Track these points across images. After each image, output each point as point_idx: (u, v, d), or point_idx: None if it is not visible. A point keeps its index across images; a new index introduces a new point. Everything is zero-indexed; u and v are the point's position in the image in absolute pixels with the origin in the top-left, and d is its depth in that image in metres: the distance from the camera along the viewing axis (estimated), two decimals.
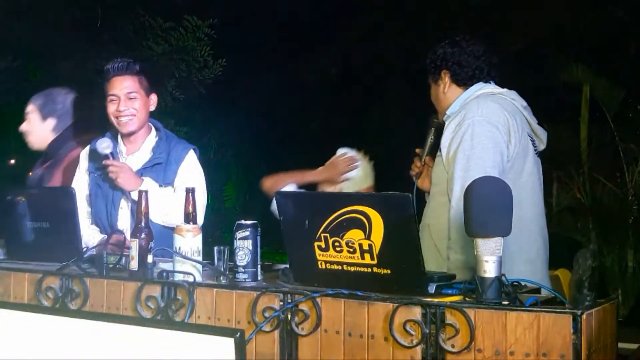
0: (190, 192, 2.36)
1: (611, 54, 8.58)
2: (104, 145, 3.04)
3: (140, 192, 2.46)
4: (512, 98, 2.75)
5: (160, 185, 3.05)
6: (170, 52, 9.26)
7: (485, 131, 2.59)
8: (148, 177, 3.06)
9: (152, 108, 3.18)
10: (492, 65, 2.84)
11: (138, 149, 3.17)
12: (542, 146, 2.83)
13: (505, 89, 2.79)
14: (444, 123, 2.80)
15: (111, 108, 3.11)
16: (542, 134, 2.82)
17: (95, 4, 9.27)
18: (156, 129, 3.21)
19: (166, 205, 2.98)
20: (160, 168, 3.09)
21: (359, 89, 11.54)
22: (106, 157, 3.03)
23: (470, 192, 1.93)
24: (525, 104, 2.78)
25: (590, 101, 8.03)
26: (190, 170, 3.12)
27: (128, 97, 3.10)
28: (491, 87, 2.80)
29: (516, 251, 2.50)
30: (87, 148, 3.26)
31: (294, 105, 11.94)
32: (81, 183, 3.19)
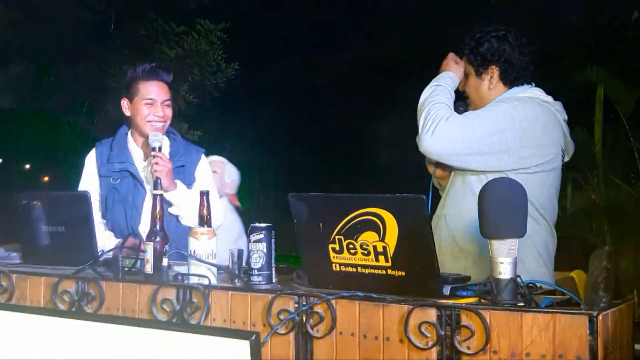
0: (204, 194, 2.37)
1: (626, 55, 8.53)
2: (155, 138, 3.02)
3: (155, 196, 2.47)
4: (556, 109, 2.69)
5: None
6: (183, 56, 9.31)
7: (497, 122, 2.55)
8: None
9: (173, 113, 3.22)
10: (533, 65, 2.77)
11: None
12: (567, 158, 2.79)
13: (550, 98, 2.72)
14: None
15: (145, 111, 3.08)
16: (571, 147, 2.78)
17: (109, 9, 9.33)
18: (167, 134, 3.20)
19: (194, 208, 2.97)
20: (182, 171, 3.09)
21: (372, 91, 11.54)
22: (154, 149, 3.00)
23: (484, 194, 1.92)
24: (566, 117, 2.73)
25: (604, 102, 7.98)
26: (206, 173, 3.17)
27: (164, 104, 3.10)
28: (537, 92, 2.72)
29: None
30: (93, 151, 3.25)
31: (307, 108, 11.96)
32: (91, 187, 3.14)
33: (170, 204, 2.98)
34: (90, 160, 3.24)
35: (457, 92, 2.82)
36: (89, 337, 1.72)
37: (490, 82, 2.74)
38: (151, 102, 3.09)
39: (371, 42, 11.29)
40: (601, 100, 7.95)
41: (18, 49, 9.15)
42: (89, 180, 3.20)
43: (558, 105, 2.71)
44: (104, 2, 9.19)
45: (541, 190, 2.63)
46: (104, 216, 3.13)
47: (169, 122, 3.15)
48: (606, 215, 7.76)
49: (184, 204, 2.99)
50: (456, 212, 2.64)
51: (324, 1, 11.33)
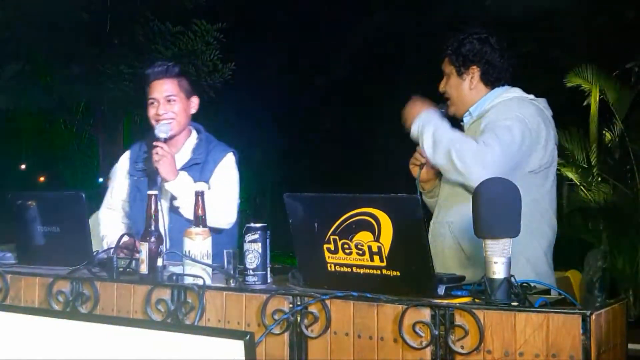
0: (199, 195, 2.37)
1: (621, 56, 8.56)
2: (162, 129, 3.01)
3: (149, 196, 2.46)
4: (543, 106, 2.73)
5: (196, 182, 3.03)
6: (179, 56, 9.31)
7: (523, 130, 2.58)
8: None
9: (193, 111, 3.15)
10: (513, 66, 2.82)
11: (178, 152, 3.14)
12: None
13: (532, 95, 2.76)
14: (453, 116, 2.80)
15: (151, 111, 3.09)
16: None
17: (105, 9, 9.32)
18: (197, 132, 3.19)
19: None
20: (197, 168, 3.07)
21: (369, 92, 11.55)
22: (159, 140, 2.99)
23: (478, 194, 1.93)
24: (551, 113, 2.76)
25: (600, 103, 8.01)
26: (226, 172, 3.09)
27: (167, 101, 3.08)
28: (520, 92, 2.77)
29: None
30: (128, 152, 3.28)
31: (304, 108, 11.96)
32: (120, 185, 3.21)
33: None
34: (124, 158, 3.29)
35: (434, 89, 2.86)
36: (83, 338, 1.72)
37: (471, 82, 2.79)
38: (153, 102, 3.09)
39: (368, 42, 11.30)
40: (596, 101, 7.98)
41: (14, 50, 9.14)
42: (118, 178, 3.26)
43: (544, 102, 2.76)
44: (100, 3, 9.19)
45: (546, 188, 2.68)
46: (128, 215, 3.18)
47: (183, 118, 3.10)
48: (602, 215, 7.79)
49: (182, 194, 2.95)
50: (461, 219, 2.63)
51: (321, 1, 11.33)
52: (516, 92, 2.76)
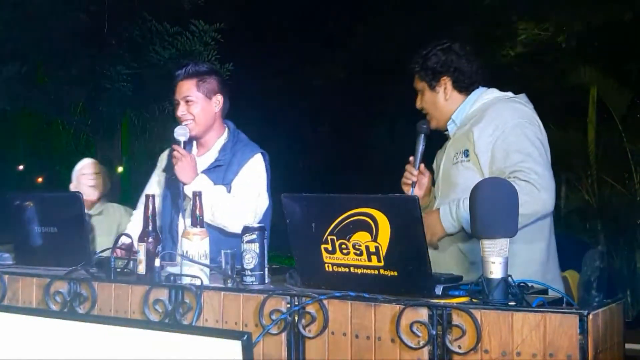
0: (197, 195, 2.37)
1: (619, 56, 8.57)
2: (180, 131, 3.02)
3: (147, 197, 2.47)
4: (525, 102, 2.73)
5: (218, 184, 3.02)
6: (177, 57, 9.28)
7: (536, 133, 2.60)
8: (209, 176, 3.04)
9: (217, 109, 3.14)
10: (481, 68, 2.83)
11: (207, 151, 3.16)
12: None
13: (510, 93, 2.77)
14: (433, 130, 2.82)
15: (176, 113, 3.14)
16: None
17: (102, 9, 9.30)
18: (229, 131, 3.19)
19: (215, 205, 2.95)
20: (221, 170, 3.07)
21: (367, 92, 11.54)
22: (178, 143, 3.01)
23: (475, 194, 1.93)
24: (532, 106, 2.77)
25: (598, 103, 8.02)
26: (250, 174, 3.05)
27: (186, 102, 3.10)
28: (497, 92, 2.78)
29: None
30: (167, 150, 3.26)
31: (302, 110, 11.96)
32: (153, 182, 3.26)
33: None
34: (163, 155, 3.31)
35: (415, 110, 2.86)
36: (81, 338, 1.72)
37: (445, 92, 2.80)
38: (176, 104, 3.14)
39: (366, 42, 11.29)
40: (594, 101, 7.99)
41: (11, 50, 9.12)
42: (154, 176, 3.29)
43: (524, 98, 2.76)
44: (97, 3, 9.17)
45: None
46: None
47: (203, 118, 3.10)
48: (600, 215, 7.79)
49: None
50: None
51: (319, 2, 11.33)
52: (494, 93, 2.77)
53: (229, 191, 3.02)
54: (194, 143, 3.19)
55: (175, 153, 2.99)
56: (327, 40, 11.43)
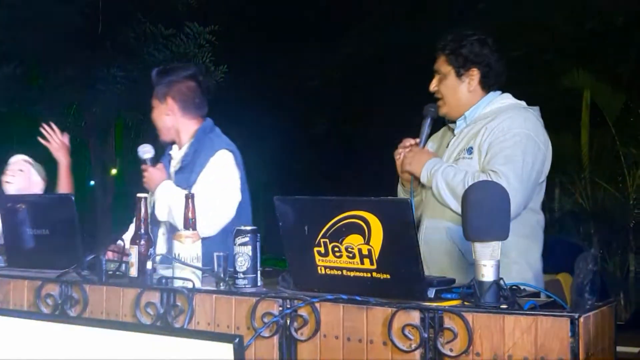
0: (189, 197, 2.36)
1: (612, 60, 8.60)
2: (142, 150, 3.13)
3: (139, 199, 2.46)
4: (538, 115, 2.70)
5: (185, 188, 3.01)
6: (171, 59, 9.28)
7: (533, 148, 2.57)
8: (175, 179, 3.12)
9: (168, 113, 3.19)
10: (505, 71, 2.79)
11: (179, 151, 3.24)
12: None
13: (524, 103, 2.74)
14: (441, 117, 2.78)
15: None
16: None
17: (97, 11, 9.29)
18: (197, 131, 3.20)
19: (173, 209, 2.98)
20: (185, 171, 3.11)
21: (362, 94, 11.54)
22: (144, 162, 3.11)
23: (467, 197, 1.93)
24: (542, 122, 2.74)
25: (591, 106, 8.04)
26: (211, 172, 3.05)
27: (152, 108, 3.24)
28: (512, 98, 2.74)
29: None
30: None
31: (296, 111, 11.95)
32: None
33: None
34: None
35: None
36: (72, 341, 1.71)
37: (469, 84, 2.73)
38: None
39: (360, 44, 11.29)
40: (588, 105, 8.01)
41: (6, 52, 9.11)
42: None
43: (537, 111, 2.73)
44: (92, 5, 9.16)
45: (541, 194, 2.70)
46: None
47: (160, 122, 3.21)
48: (593, 218, 7.81)
49: (157, 202, 3.05)
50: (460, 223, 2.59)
51: (313, 2, 11.34)
52: (510, 99, 2.74)
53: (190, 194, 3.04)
54: (173, 146, 3.27)
55: (142, 167, 3.12)
56: (322, 41, 11.42)
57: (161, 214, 3.03)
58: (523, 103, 2.74)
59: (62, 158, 3.80)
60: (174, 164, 3.21)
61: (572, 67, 8.03)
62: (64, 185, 3.83)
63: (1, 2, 8.66)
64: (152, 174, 3.09)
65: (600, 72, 8.11)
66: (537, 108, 2.73)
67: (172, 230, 2.97)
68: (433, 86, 2.80)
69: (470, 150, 2.65)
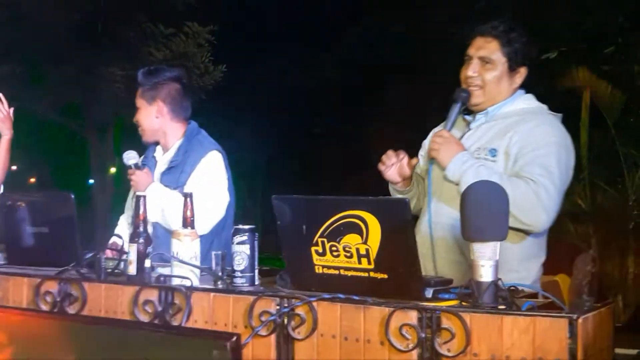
0: (188, 196, 2.37)
1: (612, 60, 8.59)
2: (127, 156, 3.15)
3: (138, 197, 2.47)
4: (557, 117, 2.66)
5: (175, 188, 3.08)
6: (171, 58, 9.31)
7: (566, 158, 2.52)
8: (163, 180, 3.15)
9: (157, 115, 3.21)
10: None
11: (166, 153, 3.26)
12: None
13: (546, 106, 2.67)
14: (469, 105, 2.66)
15: None
16: None
17: (97, 10, 9.29)
18: (186, 132, 3.24)
19: (165, 210, 3.03)
20: (175, 171, 3.14)
21: (361, 94, 11.55)
22: (129, 167, 3.14)
23: (466, 197, 1.93)
24: None
25: (590, 106, 8.03)
26: (203, 172, 3.10)
27: (136, 109, 3.25)
28: (536, 101, 2.66)
29: None
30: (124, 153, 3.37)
31: (294, 111, 11.96)
32: None
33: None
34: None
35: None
36: (70, 338, 1.72)
37: (515, 81, 2.63)
38: None
39: (360, 43, 11.30)
40: (587, 105, 8.00)
41: (6, 50, 9.12)
42: None
43: (560, 117, 2.66)
44: (92, 4, 9.17)
45: None
46: None
47: (146, 124, 3.23)
48: (591, 219, 7.81)
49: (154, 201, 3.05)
50: None
51: (313, 3, 11.34)
52: (534, 101, 2.65)
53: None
54: (157, 147, 3.30)
55: (128, 172, 3.14)
56: (321, 41, 11.43)
57: (153, 215, 3.01)
58: (546, 107, 2.66)
59: (6, 130, 3.69)
60: (160, 166, 3.23)
61: (572, 67, 8.03)
62: (1, 160, 3.68)
63: (2, 2, 8.67)
64: (139, 177, 3.11)
65: (600, 72, 8.11)
66: (560, 115, 2.65)
67: (159, 230, 3.04)
68: (471, 71, 2.64)
69: (493, 152, 2.55)
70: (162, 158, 3.25)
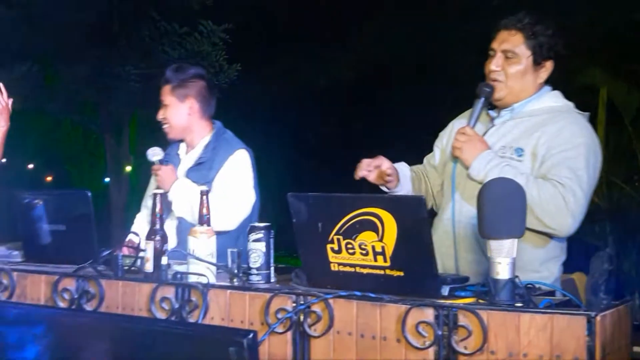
0: (204, 194, 2.38)
1: (629, 58, 8.53)
2: (151, 153, 3.16)
3: (154, 195, 2.48)
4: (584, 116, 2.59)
5: (202, 184, 3.05)
6: (186, 57, 9.33)
7: (594, 160, 2.47)
8: (190, 176, 3.15)
9: (190, 112, 3.21)
10: None
11: (192, 150, 3.26)
12: None
13: (572, 104, 2.60)
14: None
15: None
16: None
17: (112, 9, 9.34)
18: (213, 130, 3.26)
19: (195, 203, 3.00)
20: (203, 167, 3.14)
21: (373, 93, 11.53)
22: (153, 163, 3.15)
23: (483, 194, 1.92)
24: None
25: (607, 104, 7.98)
26: (231, 170, 3.12)
27: (163, 106, 3.23)
28: (564, 99, 2.59)
29: None
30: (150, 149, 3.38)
31: (309, 108, 11.97)
32: (153, 184, 3.31)
33: None
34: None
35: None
36: (88, 335, 1.73)
37: (540, 76, 2.56)
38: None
39: (374, 42, 11.28)
40: (604, 103, 7.94)
41: (21, 50, 9.18)
42: (152, 178, 3.35)
43: (587, 116, 2.60)
44: (107, 3, 9.22)
45: None
46: None
47: (175, 121, 3.22)
48: (608, 217, 7.75)
49: (175, 199, 3.07)
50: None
51: (325, 3, 11.34)
52: (562, 99, 2.58)
53: (211, 189, 3.05)
54: (180, 145, 3.30)
55: (153, 168, 3.14)
56: (334, 39, 11.42)
57: (181, 211, 3.06)
58: (573, 105, 2.59)
59: (3, 122, 3.67)
60: (186, 163, 3.23)
61: (589, 65, 7.98)
62: None
63: (17, 1, 8.72)
64: (165, 172, 3.11)
65: (617, 70, 8.05)
66: (587, 114, 2.59)
67: (184, 225, 3.03)
68: (494, 65, 2.56)
69: (519, 151, 2.48)
70: (188, 155, 3.25)
